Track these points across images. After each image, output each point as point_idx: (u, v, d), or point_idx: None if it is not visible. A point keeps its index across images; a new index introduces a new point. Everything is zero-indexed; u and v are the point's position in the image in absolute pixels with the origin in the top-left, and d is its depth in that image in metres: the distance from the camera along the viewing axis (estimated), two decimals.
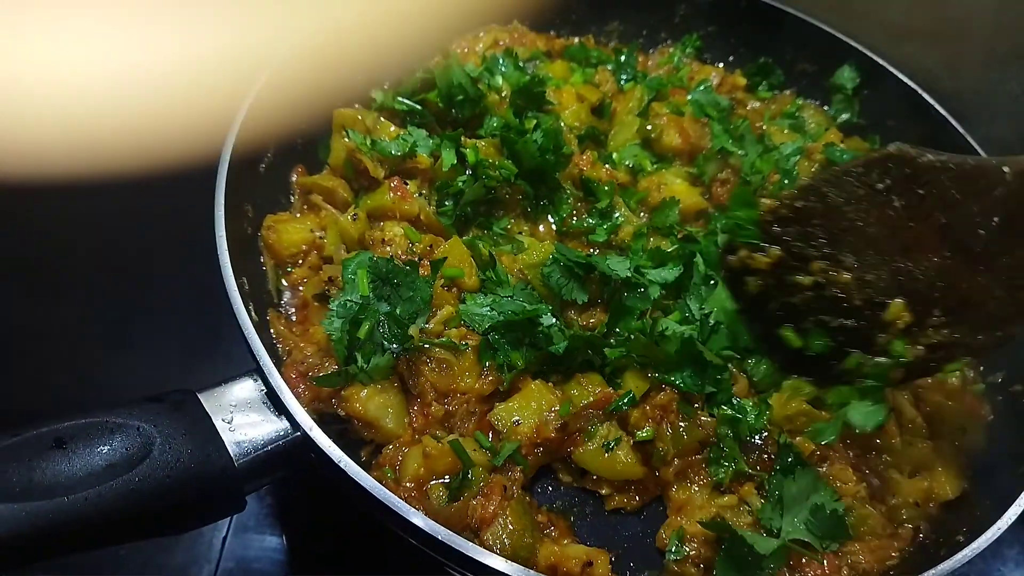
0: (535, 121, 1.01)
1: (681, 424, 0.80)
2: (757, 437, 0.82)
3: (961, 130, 1.04)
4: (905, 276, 0.74)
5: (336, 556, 0.92)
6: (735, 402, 0.82)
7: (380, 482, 0.76)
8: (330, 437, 0.75)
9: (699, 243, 0.94)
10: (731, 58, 1.21)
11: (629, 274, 0.86)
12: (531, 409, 0.80)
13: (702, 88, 1.14)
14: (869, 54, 1.10)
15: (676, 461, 0.80)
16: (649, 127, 1.08)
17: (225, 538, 0.94)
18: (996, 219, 0.69)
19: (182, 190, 0.92)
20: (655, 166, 1.05)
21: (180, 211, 1.05)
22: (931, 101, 1.07)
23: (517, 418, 0.79)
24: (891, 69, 1.09)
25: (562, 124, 1.04)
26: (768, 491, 0.77)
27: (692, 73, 1.17)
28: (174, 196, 1.02)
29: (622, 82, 1.15)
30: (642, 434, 0.80)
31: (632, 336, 0.84)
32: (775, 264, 0.78)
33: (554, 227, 0.98)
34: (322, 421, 0.77)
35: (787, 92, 1.20)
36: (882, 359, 0.76)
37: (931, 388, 0.89)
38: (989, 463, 0.84)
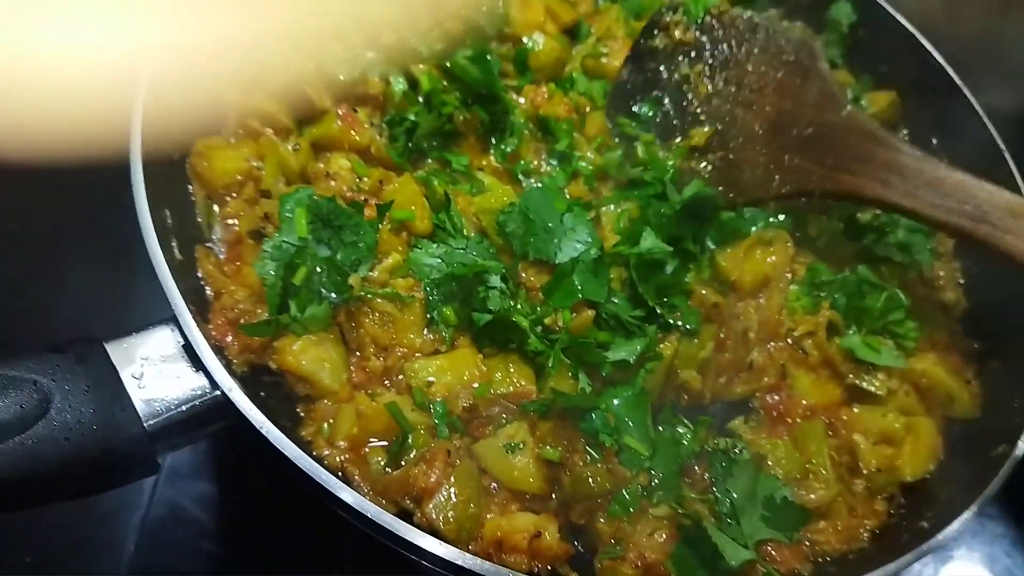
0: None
1: (587, 469, 0.70)
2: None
3: (957, 79, 0.98)
4: (728, 116, 0.89)
5: (268, 504, 0.88)
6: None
7: (314, 439, 0.72)
8: (262, 391, 0.70)
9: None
10: None
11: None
12: (450, 375, 0.73)
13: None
14: None
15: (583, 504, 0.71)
16: (603, 51, 0.98)
17: (156, 483, 0.90)
18: (809, 130, 0.83)
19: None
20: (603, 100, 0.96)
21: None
22: (928, 46, 0.99)
23: (432, 378, 0.73)
24: (890, 10, 1.01)
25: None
26: (715, 501, 0.71)
27: None
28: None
29: (599, 2, 1.06)
30: (547, 451, 0.70)
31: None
32: (682, 43, 0.93)
33: (495, 161, 0.89)
34: (253, 374, 0.72)
35: (772, 12, 1.10)
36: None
37: (920, 352, 0.85)
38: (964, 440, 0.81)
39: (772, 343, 0.83)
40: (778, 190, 0.84)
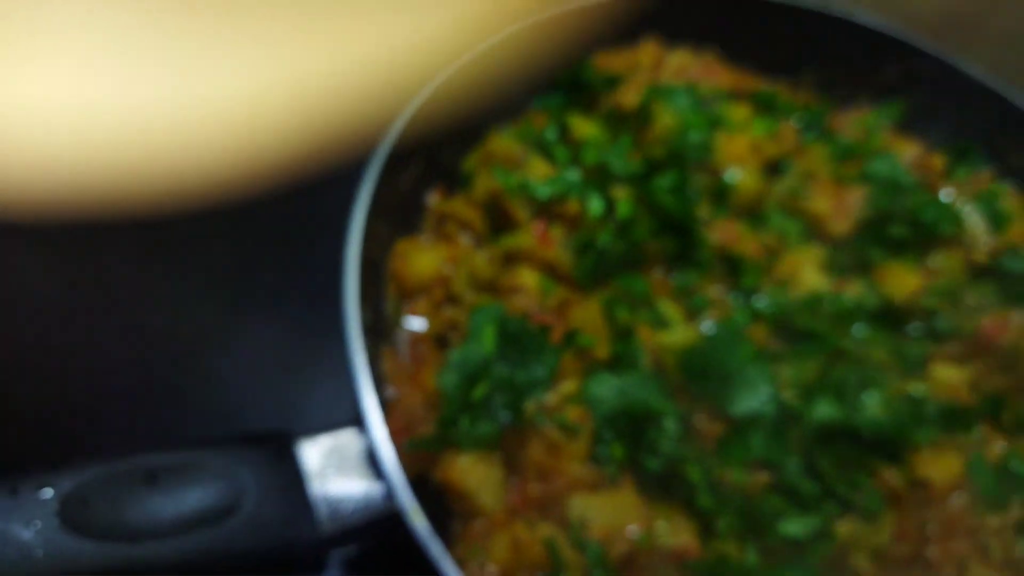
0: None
1: None
2: None
3: None
4: None
5: None
6: None
7: (465, 562, 0.72)
8: (423, 503, 0.71)
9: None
10: (933, 138, 1.05)
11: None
12: (609, 515, 0.70)
13: (884, 158, 1.00)
14: None
15: None
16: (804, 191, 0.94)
17: None
18: None
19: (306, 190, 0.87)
20: (798, 241, 0.92)
21: (298, 216, 1.00)
22: None
23: (591, 516, 0.70)
24: None
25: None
26: None
27: (886, 143, 1.04)
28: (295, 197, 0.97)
29: (806, 139, 1.03)
30: None
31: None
32: None
33: (672, 290, 0.88)
34: (416, 484, 0.72)
35: (986, 172, 1.04)
36: None
37: None
38: None
39: (953, 538, 0.76)
40: None
